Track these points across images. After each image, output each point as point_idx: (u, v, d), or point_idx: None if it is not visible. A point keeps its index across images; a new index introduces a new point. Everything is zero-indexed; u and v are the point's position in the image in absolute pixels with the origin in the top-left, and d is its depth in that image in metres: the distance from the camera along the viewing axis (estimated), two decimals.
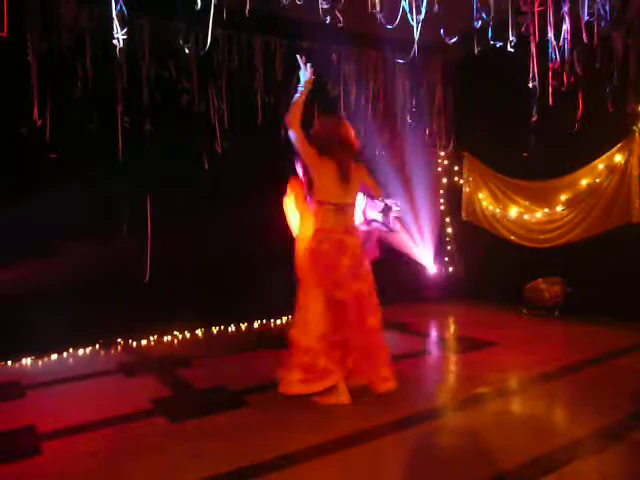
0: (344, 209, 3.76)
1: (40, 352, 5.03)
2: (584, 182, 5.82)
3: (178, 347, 5.43)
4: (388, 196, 4.20)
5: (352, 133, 3.89)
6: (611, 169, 5.60)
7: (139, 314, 5.33)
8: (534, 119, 5.49)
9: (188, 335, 5.74)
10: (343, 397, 3.62)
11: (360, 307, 3.72)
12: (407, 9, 3.71)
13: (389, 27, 3.90)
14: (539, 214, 6.25)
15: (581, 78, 5.10)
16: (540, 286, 6.13)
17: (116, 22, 3.17)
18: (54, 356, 5.07)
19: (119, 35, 3.20)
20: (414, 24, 3.65)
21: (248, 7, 3.47)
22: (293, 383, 3.62)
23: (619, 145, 5.54)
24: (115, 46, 3.37)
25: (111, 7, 3.11)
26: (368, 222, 4.30)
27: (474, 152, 6.99)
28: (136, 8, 3.73)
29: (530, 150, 6.21)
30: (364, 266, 3.81)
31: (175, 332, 5.71)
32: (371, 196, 4.10)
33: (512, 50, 4.47)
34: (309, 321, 3.66)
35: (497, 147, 6.50)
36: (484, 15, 4.18)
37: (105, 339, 5.37)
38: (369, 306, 3.76)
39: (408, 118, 6.82)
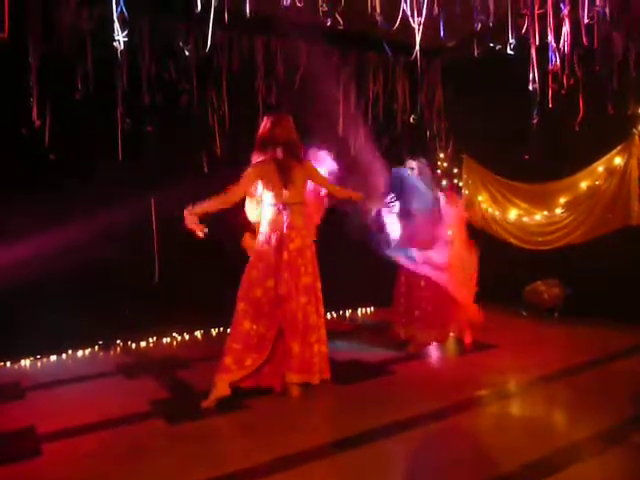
0: (289, 208, 3.84)
1: (39, 353, 5.03)
2: (584, 184, 5.81)
3: (177, 349, 5.43)
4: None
5: (293, 132, 3.92)
6: (611, 171, 5.61)
7: (138, 316, 5.33)
8: (534, 121, 5.50)
9: (187, 337, 5.74)
10: (222, 391, 3.70)
11: (298, 300, 3.80)
12: (408, 11, 3.71)
13: (389, 29, 3.90)
14: (538, 216, 6.25)
15: (581, 81, 5.10)
16: (539, 288, 6.13)
17: (117, 24, 3.17)
18: (53, 357, 5.07)
19: (120, 37, 3.20)
20: (415, 26, 3.65)
21: (248, 8, 3.47)
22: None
23: (619, 147, 5.54)
24: (116, 48, 3.37)
25: (112, 9, 3.11)
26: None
27: (473, 154, 6.99)
28: (136, 10, 3.73)
29: (530, 152, 6.21)
30: (306, 258, 3.87)
31: (174, 334, 5.70)
32: (331, 195, 4.20)
33: (512, 52, 4.47)
34: (234, 321, 3.80)
35: (497, 149, 6.50)
36: (484, 17, 4.19)
37: (104, 340, 5.36)
38: (306, 297, 3.84)
39: (411, 119, 6.83)
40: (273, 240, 3.84)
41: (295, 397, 3.82)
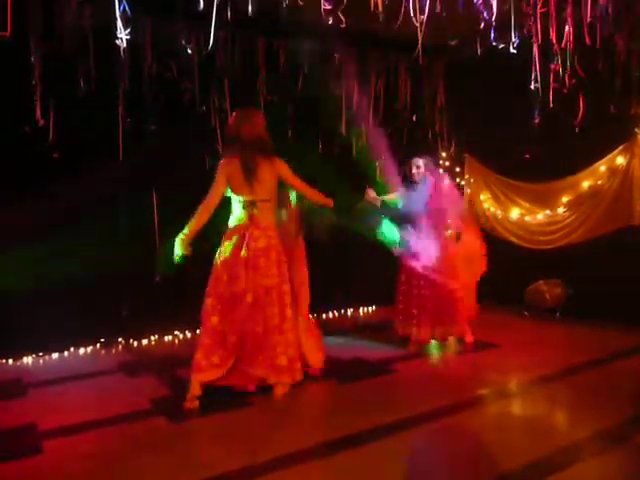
0: (255, 205, 3.81)
1: (41, 351, 5.04)
2: (586, 184, 5.80)
3: (179, 347, 5.43)
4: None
5: (260, 128, 3.88)
6: (613, 171, 5.59)
7: (140, 313, 5.34)
8: (536, 121, 5.49)
9: (189, 335, 5.74)
10: (195, 391, 3.68)
11: (259, 300, 3.77)
12: (411, 10, 3.71)
13: (392, 28, 3.89)
14: (540, 216, 6.24)
15: (583, 80, 5.09)
16: (541, 288, 6.13)
17: (119, 22, 3.18)
18: (55, 355, 5.08)
19: (122, 35, 3.20)
20: (417, 25, 3.65)
21: (250, 7, 3.47)
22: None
23: (621, 147, 5.53)
24: (118, 46, 3.37)
25: (114, 7, 3.11)
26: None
27: (476, 153, 6.99)
28: (139, 8, 3.73)
29: (531, 152, 6.21)
30: (270, 259, 3.82)
31: (176, 332, 5.71)
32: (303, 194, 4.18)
33: (514, 52, 4.47)
34: (203, 316, 3.80)
35: (499, 149, 6.50)
36: (486, 16, 4.18)
37: (106, 338, 5.37)
38: (265, 299, 3.79)
39: (414, 118, 6.82)
40: (235, 237, 3.81)
41: (278, 397, 3.79)
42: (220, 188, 3.81)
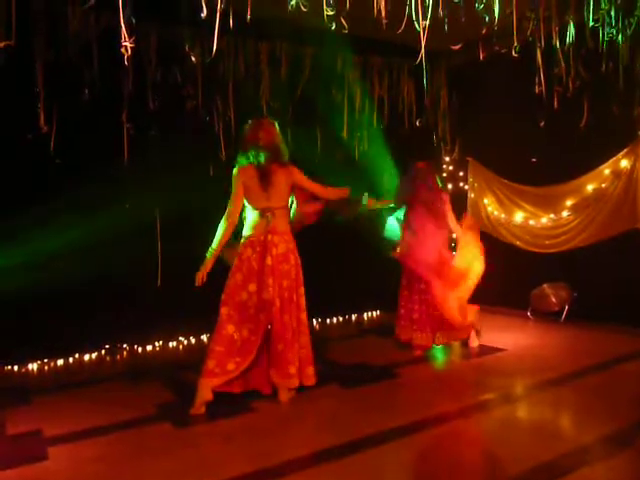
0: (270, 213, 3.83)
1: (46, 357, 5.05)
2: (590, 187, 5.79)
3: (183, 352, 5.44)
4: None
5: (277, 136, 3.92)
6: (617, 174, 5.58)
7: (145, 319, 5.34)
8: (540, 124, 5.48)
9: (193, 340, 5.75)
10: (206, 396, 3.67)
11: (282, 304, 3.81)
12: (413, 15, 3.71)
13: (395, 33, 3.90)
14: (545, 219, 6.23)
15: (586, 83, 5.09)
16: (546, 291, 6.13)
17: (124, 30, 3.18)
18: (60, 361, 5.08)
19: (127, 43, 3.21)
20: (420, 30, 3.65)
21: (250, 13, 3.48)
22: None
23: (625, 150, 5.52)
24: (122, 54, 3.38)
25: (119, 15, 3.12)
26: None
27: (479, 157, 6.98)
28: (143, 15, 3.74)
29: (535, 155, 6.20)
30: (290, 263, 3.87)
31: (180, 337, 5.71)
32: (315, 198, 4.19)
33: (517, 55, 4.47)
34: (218, 325, 3.81)
35: (502, 152, 6.49)
36: (489, 21, 4.19)
37: (111, 344, 5.38)
38: (289, 302, 3.84)
39: (417, 122, 6.82)
40: (256, 245, 3.83)
41: (284, 401, 3.81)
42: (240, 198, 3.84)
